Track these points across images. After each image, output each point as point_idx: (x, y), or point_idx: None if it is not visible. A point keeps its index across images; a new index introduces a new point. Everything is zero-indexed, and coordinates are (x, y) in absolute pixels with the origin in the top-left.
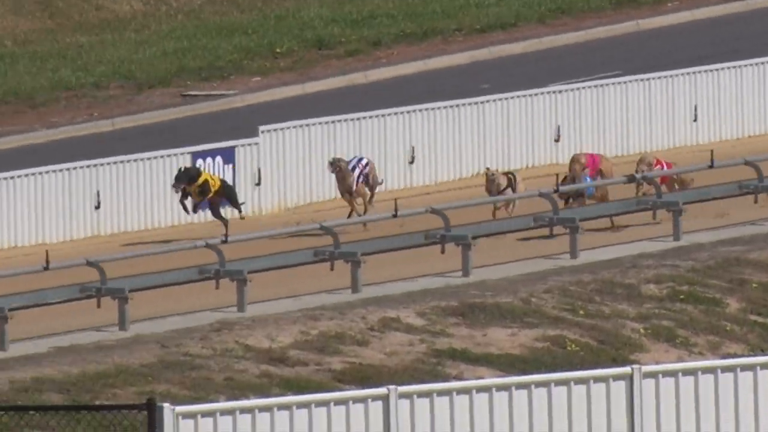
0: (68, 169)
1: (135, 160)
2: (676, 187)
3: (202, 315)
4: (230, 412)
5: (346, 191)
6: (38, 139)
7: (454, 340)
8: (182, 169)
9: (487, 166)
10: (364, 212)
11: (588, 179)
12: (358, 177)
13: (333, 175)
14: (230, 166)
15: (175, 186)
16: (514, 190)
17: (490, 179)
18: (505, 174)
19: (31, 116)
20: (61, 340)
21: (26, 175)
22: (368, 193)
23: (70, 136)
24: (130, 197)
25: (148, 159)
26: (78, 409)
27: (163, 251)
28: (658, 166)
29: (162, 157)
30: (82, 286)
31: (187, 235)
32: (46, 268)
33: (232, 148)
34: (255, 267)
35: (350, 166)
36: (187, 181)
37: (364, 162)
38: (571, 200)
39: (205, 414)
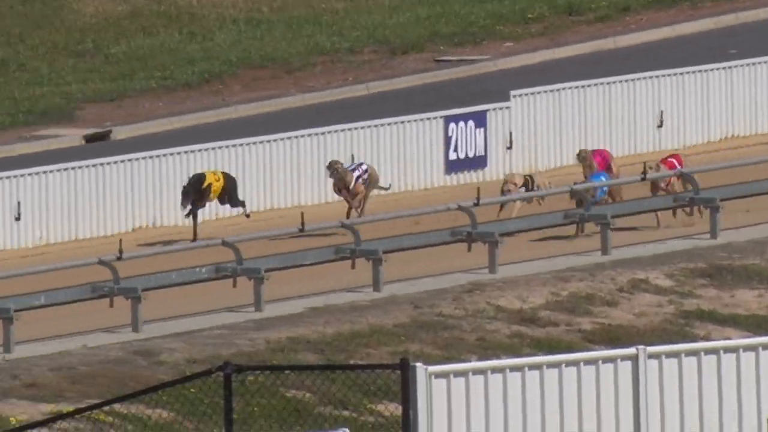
0: (323, 133)
1: (388, 124)
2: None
3: (454, 276)
4: (482, 371)
5: (344, 187)
6: (294, 103)
7: (701, 301)
8: (187, 185)
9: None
10: (348, 214)
11: (602, 177)
12: (357, 178)
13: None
14: (482, 130)
15: (184, 203)
16: (531, 190)
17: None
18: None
19: (287, 81)
20: (316, 301)
21: (281, 139)
22: (363, 192)
23: (325, 101)
24: (384, 160)
25: (402, 123)
26: (332, 369)
27: (416, 213)
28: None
29: (415, 121)
30: (336, 247)
31: (444, 199)
32: (302, 230)
33: (484, 112)
34: (506, 229)
35: (350, 168)
36: (194, 194)
37: (363, 167)
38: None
39: (458, 374)
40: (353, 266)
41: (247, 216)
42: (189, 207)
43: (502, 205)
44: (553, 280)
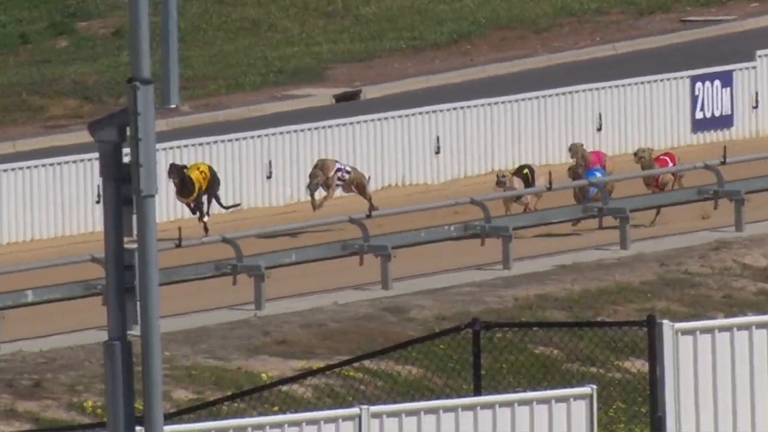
0: (570, 93)
1: (635, 84)
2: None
3: (701, 235)
4: (728, 328)
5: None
6: (541, 63)
7: None
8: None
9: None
10: (315, 207)
11: (596, 173)
12: (337, 170)
13: None
14: (728, 89)
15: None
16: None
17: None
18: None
19: (534, 41)
20: (564, 259)
21: (528, 99)
22: (331, 193)
23: (572, 61)
24: (630, 120)
25: (648, 83)
26: (580, 326)
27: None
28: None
29: (662, 81)
30: (585, 207)
31: (690, 158)
32: (549, 189)
33: (730, 72)
34: (753, 187)
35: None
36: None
37: (348, 169)
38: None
39: (704, 331)
40: (600, 226)
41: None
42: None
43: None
44: None
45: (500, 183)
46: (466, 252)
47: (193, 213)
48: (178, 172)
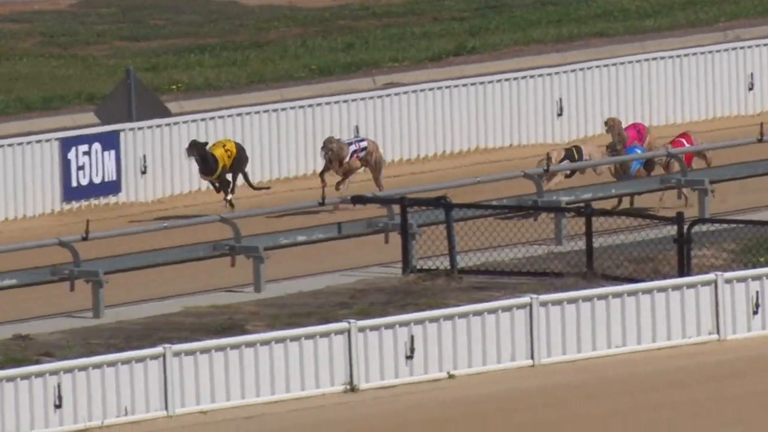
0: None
1: None
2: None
3: None
4: None
5: (337, 160)
6: None
7: None
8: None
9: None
10: (337, 188)
11: (638, 150)
12: (353, 153)
13: None
14: None
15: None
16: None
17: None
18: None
19: None
20: None
21: None
22: (357, 169)
23: None
24: None
25: None
26: None
27: None
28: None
29: None
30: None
31: None
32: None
33: None
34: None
35: (348, 143)
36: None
37: (363, 144)
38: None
39: None
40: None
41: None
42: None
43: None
44: None
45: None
46: None
47: (217, 191)
48: (198, 150)
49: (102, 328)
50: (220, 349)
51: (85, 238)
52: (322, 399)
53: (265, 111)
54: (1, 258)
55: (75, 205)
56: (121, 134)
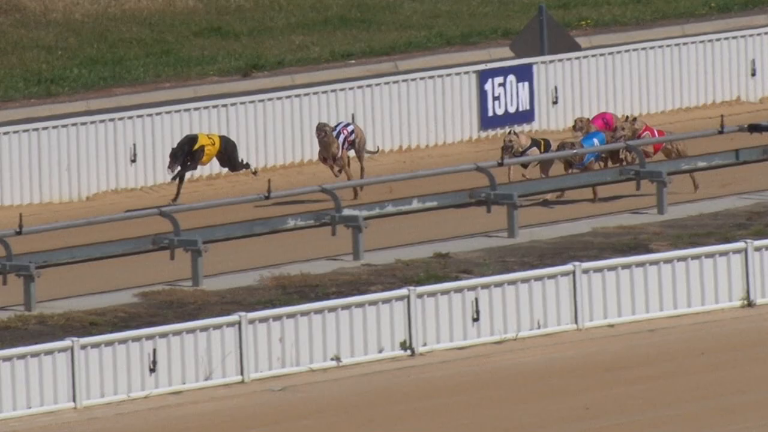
0: None
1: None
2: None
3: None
4: None
5: (330, 157)
6: None
7: None
8: (175, 148)
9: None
10: (348, 178)
11: (593, 140)
12: (343, 143)
13: None
14: None
15: (172, 166)
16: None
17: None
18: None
19: None
20: None
21: None
22: (348, 159)
23: None
24: None
25: None
26: None
27: None
28: (647, 133)
29: None
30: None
31: None
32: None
33: None
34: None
35: (335, 132)
36: (183, 156)
37: (350, 128)
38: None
39: None
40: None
41: (254, 173)
42: (178, 169)
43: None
44: None
45: (506, 149)
46: None
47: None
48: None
49: (517, 247)
50: (626, 266)
51: (500, 164)
52: (720, 314)
53: (667, 46)
54: (422, 182)
55: (491, 132)
56: (534, 67)
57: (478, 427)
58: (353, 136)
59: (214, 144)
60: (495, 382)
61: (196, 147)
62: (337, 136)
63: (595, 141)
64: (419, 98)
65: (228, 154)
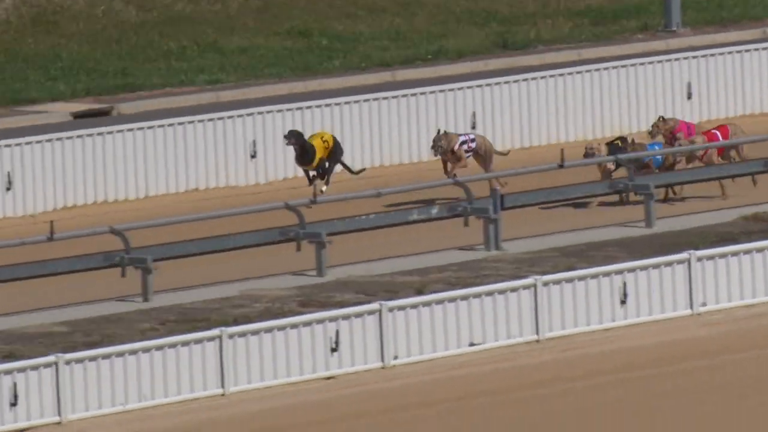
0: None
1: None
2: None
3: None
4: None
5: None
6: None
7: None
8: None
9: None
10: (453, 175)
11: (657, 146)
12: (462, 143)
13: None
14: None
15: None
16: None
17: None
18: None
19: None
20: None
21: None
22: (464, 159)
23: None
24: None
25: None
26: None
27: None
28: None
29: None
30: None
31: None
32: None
33: None
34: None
35: (460, 137)
36: (297, 142)
37: (471, 137)
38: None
39: None
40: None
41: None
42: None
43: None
44: None
45: (588, 155)
46: None
47: (310, 182)
48: (297, 139)
49: None
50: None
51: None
52: None
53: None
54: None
55: None
56: None
57: None
58: (474, 144)
59: (322, 147)
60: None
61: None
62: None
63: (656, 147)
64: None
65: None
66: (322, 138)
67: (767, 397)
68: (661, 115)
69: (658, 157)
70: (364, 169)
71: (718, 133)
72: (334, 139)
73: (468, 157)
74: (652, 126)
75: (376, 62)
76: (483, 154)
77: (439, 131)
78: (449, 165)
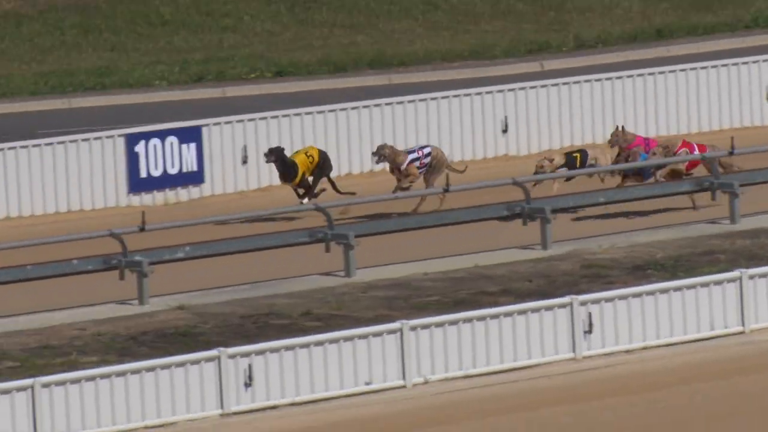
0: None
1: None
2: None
3: None
4: None
5: (396, 168)
6: None
7: None
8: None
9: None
10: (402, 189)
11: (644, 156)
12: (414, 160)
13: None
14: None
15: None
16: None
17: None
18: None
19: None
20: None
21: None
22: (416, 174)
23: None
24: None
25: None
26: None
27: None
28: (684, 149)
29: None
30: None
31: None
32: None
33: None
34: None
35: (409, 151)
36: (277, 159)
37: (426, 150)
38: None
39: None
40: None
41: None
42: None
43: (535, 183)
44: None
45: (538, 171)
46: None
47: (299, 196)
48: (277, 155)
49: None
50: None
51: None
52: None
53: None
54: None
55: None
56: None
57: None
58: (428, 158)
59: (307, 163)
60: None
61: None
62: (409, 153)
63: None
64: None
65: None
66: (306, 153)
67: None
68: (622, 125)
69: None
70: (353, 193)
71: (696, 148)
72: (321, 154)
73: (422, 172)
74: (612, 135)
75: None
76: (433, 166)
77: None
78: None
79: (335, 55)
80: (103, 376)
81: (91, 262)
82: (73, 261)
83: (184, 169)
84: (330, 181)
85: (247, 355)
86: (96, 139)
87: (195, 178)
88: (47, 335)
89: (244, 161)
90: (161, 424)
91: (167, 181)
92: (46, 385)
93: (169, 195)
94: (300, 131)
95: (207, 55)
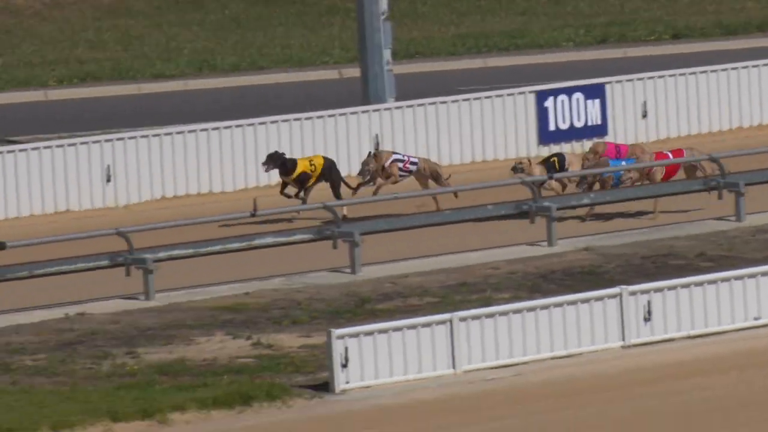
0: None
1: None
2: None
3: None
4: None
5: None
6: None
7: None
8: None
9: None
10: (374, 192)
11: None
12: (396, 161)
13: None
14: None
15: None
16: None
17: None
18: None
19: None
20: None
21: None
22: (393, 177)
23: None
24: None
25: None
26: None
27: None
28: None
29: None
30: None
31: None
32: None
33: None
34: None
35: (396, 155)
36: (276, 166)
37: (413, 159)
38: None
39: None
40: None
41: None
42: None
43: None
44: None
45: (516, 170)
46: None
47: (295, 196)
48: (274, 163)
49: None
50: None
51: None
52: None
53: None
54: None
55: None
56: None
57: None
58: (415, 167)
59: (315, 169)
60: None
61: (296, 174)
62: (396, 160)
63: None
64: None
65: (330, 175)
66: (310, 161)
67: None
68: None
69: (620, 173)
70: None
71: (670, 155)
72: (326, 163)
73: (402, 176)
74: (589, 150)
75: None
76: (429, 174)
77: (369, 153)
78: (378, 180)
79: (727, 18)
80: (515, 312)
81: (504, 207)
82: (487, 206)
83: (589, 123)
84: (333, 188)
85: (646, 292)
86: (509, 95)
87: (599, 131)
88: (464, 273)
89: (644, 115)
90: (567, 354)
91: (574, 134)
92: (463, 319)
93: (576, 147)
94: (695, 89)
95: (610, 19)
